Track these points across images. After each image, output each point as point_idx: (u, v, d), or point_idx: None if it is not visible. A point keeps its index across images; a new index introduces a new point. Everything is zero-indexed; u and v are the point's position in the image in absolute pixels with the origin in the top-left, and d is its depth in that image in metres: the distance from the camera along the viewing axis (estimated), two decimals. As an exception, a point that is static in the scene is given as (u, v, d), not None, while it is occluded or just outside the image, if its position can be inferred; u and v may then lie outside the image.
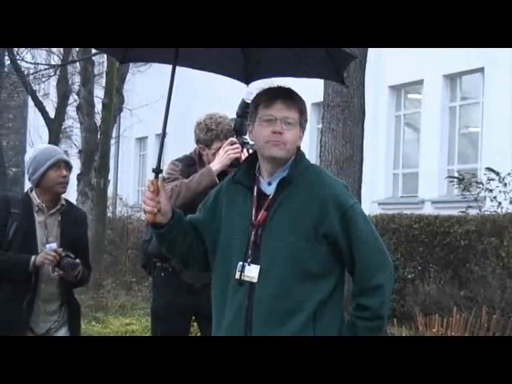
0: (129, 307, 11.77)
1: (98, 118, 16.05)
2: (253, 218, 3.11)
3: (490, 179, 10.12)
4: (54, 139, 18.95)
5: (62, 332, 4.47)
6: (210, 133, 4.76)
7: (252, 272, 3.06)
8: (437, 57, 12.92)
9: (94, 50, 14.91)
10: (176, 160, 4.88)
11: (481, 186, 10.29)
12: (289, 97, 3.13)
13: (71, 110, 19.87)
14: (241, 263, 3.08)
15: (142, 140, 24.46)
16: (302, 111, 3.16)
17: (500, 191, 10.08)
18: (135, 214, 16.60)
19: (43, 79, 21.39)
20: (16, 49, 19.27)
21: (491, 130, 12.87)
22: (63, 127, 20.83)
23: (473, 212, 10.16)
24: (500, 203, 9.95)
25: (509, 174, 10.09)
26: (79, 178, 15.35)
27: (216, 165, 4.62)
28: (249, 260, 3.08)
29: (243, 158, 4.50)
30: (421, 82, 14.50)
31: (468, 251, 9.72)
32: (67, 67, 19.67)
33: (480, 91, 13.51)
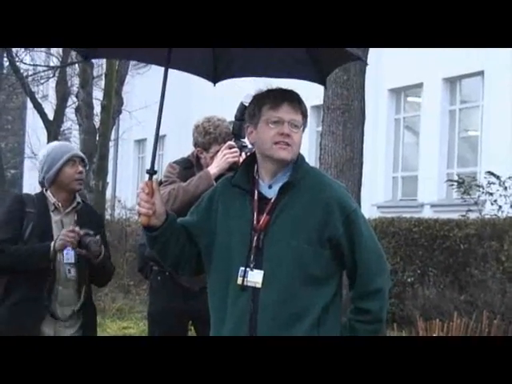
0: (126, 311, 11.73)
1: (96, 120, 16.03)
2: (254, 222, 3.08)
3: (490, 183, 10.09)
4: (53, 141, 18.89)
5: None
6: (208, 136, 4.73)
7: (255, 277, 3.03)
8: (437, 60, 12.91)
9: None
10: (174, 162, 4.85)
11: (481, 189, 10.27)
12: (294, 99, 3.12)
13: (70, 112, 19.87)
14: (242, 268, 3.05)
15: (140, 142, 24.44)
16: (305, 114, 3.15)
17: (500, 195, 10.07)
18: (134, 216, 16.56)
19: (42, 81, 21.39)
20: (15, 50, 19.26)
21: (491, 134, 12.85)
22: (62, 129, 20.82)
23: (473, 216, 10.12)
24: (500, 207, 9.93)
25: (509, 178, 10.07)
26: (78, 179, 15.29)
27: (214, 168, 4.59)
28: (251, 265, 3.05)
29: (241, 162, 4.47)
30: (420, 85, 14.49)
31: (468, 255, 9.69)
32: (66, 69, 19.67)
33: (480, 95, 13.50)
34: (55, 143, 4.64)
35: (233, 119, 4.67)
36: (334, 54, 3.20)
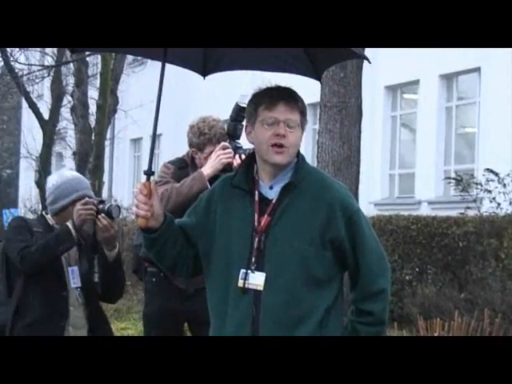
0: (124, 311, 11.70)
1: (92, 120, 16.01)
2: (256, 223, 3.03)
3: (488, 180, 10.06)
4: (48, 141, 18.88)
5: None
6: (202, 136, 4.71)
7: (257, 280, 2.98)
8: (433, 57, 12.88)
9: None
10: (168, 162, 4.83)
11: (479, 186, 10.24)
12: (291, 98, 3.06)
13: (65, 112, 19.83)
14: (243, 270, 3.00)
15: (136, 141, 24.42)
16: (303, 112, 3.09)
17: (499, 192, 10.04)
18: (130, 215, 16.53)
19: (37, 80, 21.35)
20: (9, 50, 19.18)
21: (488, 130, 12.83)
22: (57, 129, 20.76)
23: (471, 213, 10.09)
24: (499, 204, 9.90)
25: (508, 175, 10.04)
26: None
27: (208, 169, 4.56)
28: (252, 267, 3.00)
29: (235, 163, 4.45)
30: (417, 82, 14.47)
31: (467, 253, 9.66)
32: (61, 68, 19.61)
33: (476, 91, 13.48)
34: (68, 175, 4.31)
35: (227, 119, 4.65)
36: (332, 51, 3.15)
